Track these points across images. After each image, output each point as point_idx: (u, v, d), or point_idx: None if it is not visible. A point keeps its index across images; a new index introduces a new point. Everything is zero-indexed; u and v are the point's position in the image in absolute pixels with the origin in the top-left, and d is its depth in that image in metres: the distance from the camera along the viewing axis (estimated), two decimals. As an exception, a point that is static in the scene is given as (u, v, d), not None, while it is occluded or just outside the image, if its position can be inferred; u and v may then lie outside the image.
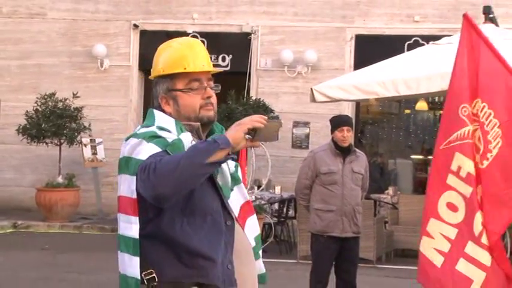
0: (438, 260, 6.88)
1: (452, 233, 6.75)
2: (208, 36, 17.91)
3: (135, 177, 3.65)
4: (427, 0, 17.01)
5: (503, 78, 6.88)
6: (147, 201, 3.64)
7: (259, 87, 17.61)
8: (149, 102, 18.06)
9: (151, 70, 4.05)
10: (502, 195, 6.73)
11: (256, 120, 3.68)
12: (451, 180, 6.84)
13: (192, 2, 18.54)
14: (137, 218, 3.70)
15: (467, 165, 6.81)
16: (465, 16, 6.95)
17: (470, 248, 6.68)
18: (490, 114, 6.79)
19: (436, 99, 18.00)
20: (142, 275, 3.75)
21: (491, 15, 13.33)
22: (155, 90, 4.00)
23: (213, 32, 18.39)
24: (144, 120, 4.19)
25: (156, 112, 3.97)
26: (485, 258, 6.68)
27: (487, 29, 13.08)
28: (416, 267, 13.87)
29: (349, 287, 9.59)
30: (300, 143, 16.99)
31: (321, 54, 17.39)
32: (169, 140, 3.75)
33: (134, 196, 3.68)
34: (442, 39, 13.78)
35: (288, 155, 16.60)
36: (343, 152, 9.56)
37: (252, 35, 17.65)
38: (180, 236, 3.75)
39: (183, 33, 17.69)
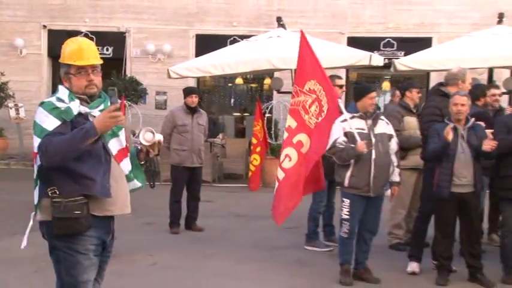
0: None
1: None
2: (96, 34, 17.76)
3: (36, 138, 3.91)
4: (241, 11, 17.20)
5: (320, 69, 7.33)
6: None
7: (132, 69, 17.47)
8: (55, 79, 17.95)
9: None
10: (325, 138, 7.03)
11: (116, 119, 3.89)
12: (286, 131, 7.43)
13: (84, 10, 18.30)
14: (34, 164, 4.05)
15: (288, 121, 7.33)
16: (301, 32, 7.52)
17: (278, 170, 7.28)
18: (321, 89, 7.20)
19: (248, 76, 18.25)
20: (48, 190, 3.94)
21: (281, 22, 13.64)
22: (61, 72, 4.17)
23: (99, 31, 18.10)
24: (53, 91, 4.34)
25: (60, 87, 4.09)
26: (281, 175, 7.22)
27: (279, 31, 13.41)
28: (235, 185, 14.19)
29: (195, 199, 9.79)
30: (161, 106, 17.05)
31: (173, 47, 17.42)
32: (62, 109, 3.94)
33: (35, 150, 3.93)
34: (251, 38, 14.00)
35: (153, 114, 16.59)
36: (192, 111, 9.76)
37: (126, 33, 17.44)
38: (75, 166, 3.91)
39: (79, 32, 17.42)
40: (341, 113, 7.05)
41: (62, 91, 4.03)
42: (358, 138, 6.76)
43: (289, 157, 7.18)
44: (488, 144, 6.72)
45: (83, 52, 4.08)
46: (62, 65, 4.10)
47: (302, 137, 7.18)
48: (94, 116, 3.98)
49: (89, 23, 18.10)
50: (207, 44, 16.14)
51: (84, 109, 4.00)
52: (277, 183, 7.26)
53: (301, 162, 7.16)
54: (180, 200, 9.74)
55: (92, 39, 15.98)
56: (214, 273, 7.36)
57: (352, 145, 6.77)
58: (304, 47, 7.45)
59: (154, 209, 10.35)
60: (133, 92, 16.05)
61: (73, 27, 17.96)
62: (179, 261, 7.89)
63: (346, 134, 6.89)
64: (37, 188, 4.00)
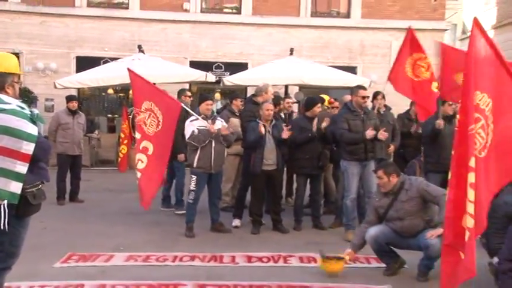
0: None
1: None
2: (-4, 55, 16.29)
3: (25, 141, 3.47)
4: (111, 40, 16.59)
5: (154, 91, 7.20)
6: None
7: (25, 81, 16.04)
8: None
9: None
10: (167, 144, 7.01)
11: None
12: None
13: (-16, 35, 16.60)
14: (27, 164, 3.50)
15: (136, 135, 7.24)
16: (128, 70, 7.23)
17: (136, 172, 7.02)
18: (154, 105, 7.08)
19: (117, 87, 17.61)
20: None
21: (141, 49, 13.48)
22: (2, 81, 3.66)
23: (-2, 52, 16.71)
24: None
25: (2, 95, 3.58)
26: (138, 174, 7.00)
27: (140, 55, 13.23)
28: (108, 168, 13.62)
29: (77, 179, 9.56)
30: (49, 109, 15.90)
31: (58, 65, 16.34)
32: (29, 114, 3.56)
33: (26, 152, 3.48)
34: (119, 59, 13.73)
35: (43, 115, 15.57)
36: (72, 113, 9.47)
37: (20, 54, 16.12)
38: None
39: (-21, 52, 16.05)
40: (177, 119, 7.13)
41: (10, 99, 3.57)
42: (221, 123, 7.24)
43: (141, 160, 7.03)
44: (285, 134, 7.14)
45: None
46: (4, 75, 3.63)
47: (146, 144, 7.02)
48: None
49: (-11, 46, 16.64)
50: (85, 63, 15.40)
51: None
52: (137, 181, 7.00)
53: (152, 161, 7.00)
54: (65, 180, 9.41)
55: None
56: (93, 234, 7.20)
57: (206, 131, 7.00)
58: (135, 80, 7.24)
59: (45, 186, 9.84)
60: (26, 98, 15.06)
61: (-26, 49, 16.49)
62: (65, 226, 7.64)
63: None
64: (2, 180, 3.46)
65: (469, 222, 3.89)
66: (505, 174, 4.18)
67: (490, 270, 4.81)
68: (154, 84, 7.56)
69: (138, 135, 7.12)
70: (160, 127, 6.97)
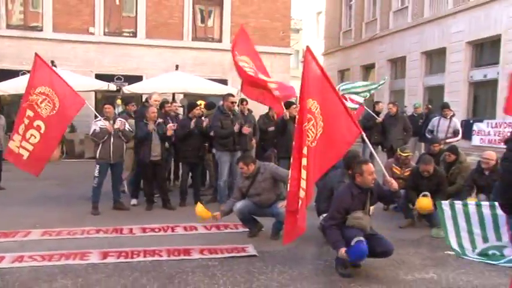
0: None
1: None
2: None
3: None
4: (27, 55, 14.73)
5: (58, 82, 6.52)
6: None
7: None
8: None
9: None
10: (61, 127, 6.55)
11: None
12: (26, 119, 6.44)
13: None
14: None
15: (27, 113, 6.37)
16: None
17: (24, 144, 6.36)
18: (53, 92, 6.47)
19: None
20: None
21: (54, 64, 12.38)
22: None
23: None
24: None
25: None
26: (29, 147, 6.41)
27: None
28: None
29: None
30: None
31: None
32: None
33: None
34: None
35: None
36: (-7, 117, 8.23)
37: None
38: None
39: None
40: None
41: None
42: (122, 122, 6.75)
43: (34, 136, 6.45)
44: (169, 132, 6.91)
45: None
46: None
47: (39, 123, 6.43)
48: None
49: None
50: (5, 75, 13.57)
51: None
52: (28, 153, 6.46)
53: (44, 138, 6.44)
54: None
55: None
56: (13, 215, 6.50)
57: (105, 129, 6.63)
58: (40, 65, 6.65)
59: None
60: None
61: None
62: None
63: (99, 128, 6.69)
64: None
65: (301, 193, 4.08)
66: (329, 160, 4.42)
67: (319, 228, 5.05)
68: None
69: (30, 113, 6.41)
70: (55, 112, 6.39)
